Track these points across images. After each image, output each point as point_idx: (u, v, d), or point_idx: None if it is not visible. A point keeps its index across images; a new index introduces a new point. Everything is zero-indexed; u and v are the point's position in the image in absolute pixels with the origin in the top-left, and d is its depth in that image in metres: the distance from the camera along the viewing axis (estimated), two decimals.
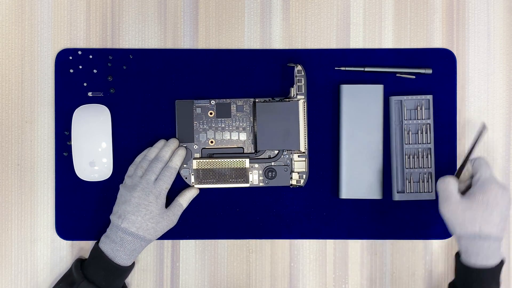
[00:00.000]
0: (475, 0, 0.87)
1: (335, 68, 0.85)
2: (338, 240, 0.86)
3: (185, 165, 0.84)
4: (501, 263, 0.74)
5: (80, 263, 0.81)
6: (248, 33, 0.87)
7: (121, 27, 0.86)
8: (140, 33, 0.86)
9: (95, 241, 0.81)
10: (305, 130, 0.82)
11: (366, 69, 0.84)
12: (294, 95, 0.82)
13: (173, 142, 0.83)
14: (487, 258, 0.73)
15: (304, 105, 0.82)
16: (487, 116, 0.86)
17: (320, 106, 0.86)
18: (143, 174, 0.80)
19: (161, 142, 0.84)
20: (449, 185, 0.76)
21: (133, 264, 0.81)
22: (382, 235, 0.86)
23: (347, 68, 0.84)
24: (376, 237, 0.86)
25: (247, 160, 0.83)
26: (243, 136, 0.84)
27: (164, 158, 0.81)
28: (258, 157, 0.84)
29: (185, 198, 0.83)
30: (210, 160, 0.83)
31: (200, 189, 0.85)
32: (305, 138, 0.82)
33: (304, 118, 0.82)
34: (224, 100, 0.84)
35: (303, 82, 0.82)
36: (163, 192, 0.80)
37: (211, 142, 0.84)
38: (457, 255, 0.77)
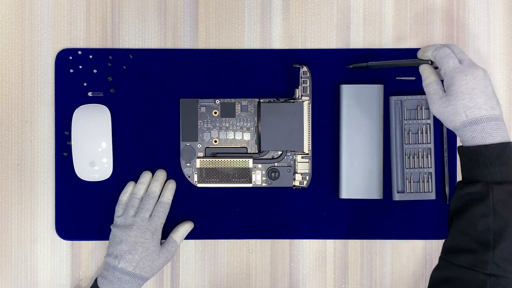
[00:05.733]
0: (475, 0, 0.87)
1: (346, 67, 0.84)
2: (338, 240, 0.86)
3: (188, 164, 0.84)
4: (505, 144, 0.70)
5: None
6: (248, 33, 0.87)
7: (121, 27, 0.86)
8: (140, 33, 0.86)
9: (95, 278, 0.81)
10: (309, 131, 0.82)
11: (370, 63, 0.83)
12: (299, 96, 0.82)
13: (161, 175, 0.84)
14: (483, 139, 0.70)
15: (309, 106, 0.82)
16: None
17: (320, 106, 0.86)
18: (135, 213, 0.81)
19: (146, 176, 0.84)
20: (432, 86, 0.75)
21: None
22: (382, 235, 0.86)
23: (354, 65, 0.84)
24: (376, 237, 0.86)
25: (251, 160, 0.83)
26: (247, 136, 0.84)
27: (155, 194, 0.83)
28: (261, 158, 0.84)
29: (179, 234, 0.83)
30: (214, 160, 0.83)
31: (202, 188, 0.85)
32: (309, 140, 0.82)
33: (309, 120, 0.82)
34: (228, 99, 0.84)
35: (308, 83, 0.82)
36: (158, 228, 0.81)
37: (215, 141, 0.84)
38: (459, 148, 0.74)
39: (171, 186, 0.84)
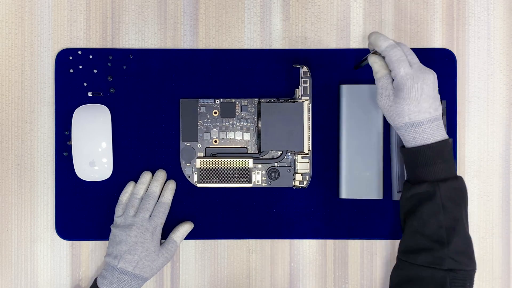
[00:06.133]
0: (475, 0, 0.87)
1: (354, 69, 0.84)
2: (338, 240, 0.86)
3: (188, 164, 0.84)
4: (444, 141, 0.72)
5: None
6: (248, 33, 0.87)
7: (121, 27, 0.86)
8: (140, 33, 0.86)
9: (94, 279, 0.81)
10: (309, 131, 0.82)
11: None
12: (299, 96, 0.82)
13: (161, 175, 0.84)
14: (425, 139, 0.72)
15: (309, 106, 0.82)
16: (487, 116, 0.86)
17: (320, 106, 0.86)
18: (135, 213, 0.81)
19: (146, 177, 0.84)
20: (382, 81, 0.74)
21: None
22: (382, 235, 0.86)
23: (357, 66, 0.83)
24: (376, 237, 0.86)
25: (251, 160, 0.83)
26: (247, 136, 0.84)
27: (155, 194, 0.83)
28: (261, 158, 0.84)
29: (179, 235, 0.83)
30: (214, 160, 0.83)
31: (202, 188, 0.85)
32: (309, 140, 0.82)
33: (309, 120, 0.82)
34: (229, 99, 0.84)
35: (308, 83, 0.82)
36: (158, 228, 0.81)
37: (215, 141, 0.84)
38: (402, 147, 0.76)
39: (171, 186, 0.84)
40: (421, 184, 0.72)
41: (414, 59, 0.73)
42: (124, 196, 0.83)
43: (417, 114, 0.71)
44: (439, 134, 0.72)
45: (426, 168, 0.72)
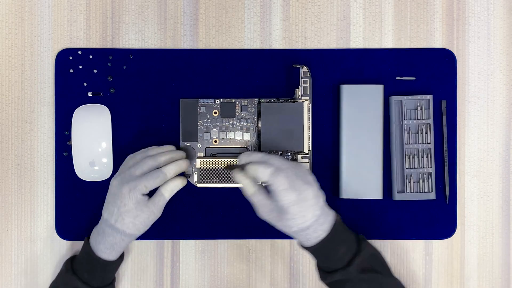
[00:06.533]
0: (475, 0, 0.87)
1: (397, 79, 0.85)
2: None
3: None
4: (335, 225, 0.74)
5: (72, 257, 0.81)
6: (248, 33, 0.87)
7: (121, 27, 0.86)
8: (140, 33, 0.86)
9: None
10: (309, 131, 0.82)
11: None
12: (299, 96, 0.82)
13: (179, 153, 0.80)
14: (318, 236, 0.73)
15: (309, 106, 0.82)
16: (487, 116, 0.86)
17: (320, 106, 0.86)
18: (132, 166, 0.76)
19: (168, 147, 0.81)
20: (256, 198, 0.74)
21: (120, 259, 0.79)
22: (382, 235, 0.86)
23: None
24: (376, 237, 0.86)
25: None
26: (247, 136, 0.84)
27: (159, 159, 0.77)
28: None
29: (168, 188, 0.76)
30: (214, 160, 0.83)
31: (202, 188, 0.85)
32: (309, 139, 0.82)
33: (309, 120, 0.82)
34: (228, 99, 0.84)
35: (308, 84, 0.82)
36: (139, 187, 0.74)
37: (215, 141, 0.84)
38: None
39: (182, 163, 0.78)
40: (335, 273, 0.74)
41: (291, 174, 0.72)
42: (135, 156, 0.78)
43: (304, 223, 0.72)
44: (328, 222, 0.74)
45: (331, 259, 0.75)
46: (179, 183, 0.78)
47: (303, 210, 0.72)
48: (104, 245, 0.76)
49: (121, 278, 0.86)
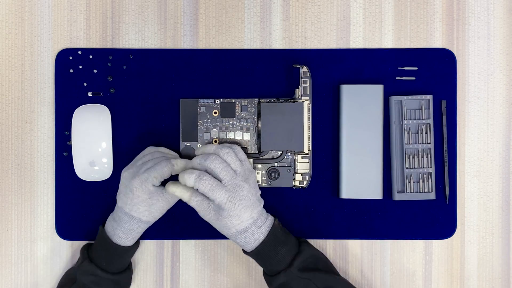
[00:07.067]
0: (475, 0, 0.87)
1: (397, 79, 0.85)
2: (338, 240, 0.86)
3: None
4: (273, 228, 0.76)
5: (88, 246, 0.82)
6: (248, 33, 0.87)
7: (121, 27, 0.86)
8: (140, 33, 0.86)
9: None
10: (309, 131, 0.82)
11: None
12: (299, 96, 0.82)
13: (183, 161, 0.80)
14: (256, 238, 0.76)
15: (309, 106, 0.82)
16: (487, 116, 0.86)
17: (320, 106, 0.86)
18: (141, 159, 0.79)
19: (174, 153, 0.83)
20: (193, 202, 0.76)
21: (136, 245, 0.81)
22: (382, 235, 0.86)
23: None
24: (376, 237, 0.86)
25: (251, 160, 0.83)
26: (247, 136, 0.84)
27: (169, 156, 0.81)
28: (261, 158, 0.84)
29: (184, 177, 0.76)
30: None
31: None
32: (309, 140, 0.82)
33: (309, 120, 0.82)
34: (228, 99, 0.84)
35: (308, 84, 0.82)
36: (150, 179, 0.75)
37: (215, 141, 0.84)
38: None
39: (185, 163, 0.78)
40: (278, 276, 0.76)
41: (225, 174, 0.74)
42: (145, 150, 0.81)
43: (241, 224, 0.75)
44: (266, 225, 0.77)
45: (273, 261, 0.76)
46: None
47: (238, 209, 0.74)
48: (122, 230, 0.78)
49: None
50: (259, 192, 0.79)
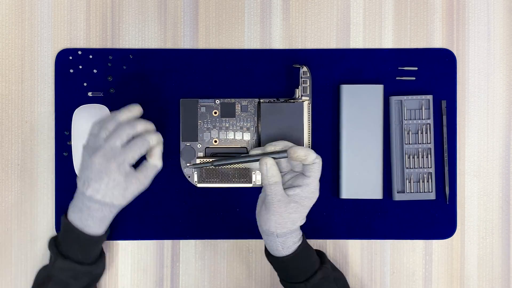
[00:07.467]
0: (475, 0, 0.87)
1: (397, 79, 0.85)
2: (338, 240, 0.86)
3: (188, 164, 0.84)
4: (300, 247, 0.76)
5: (54, 240, 0.78)
6: (248, 33, 0.87)
7: (121, 27, 0.86)
8: (140, 33, 0.86)
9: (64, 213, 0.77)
10: (309, 131, 0.82)
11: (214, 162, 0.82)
12: (299, 96, 0.82)
13: (148, 122, 0.76)
14: (289, 249, 0.75)
15: (309, 106, 0.82)
16: (487, 116, 0.86)
17: (320, 106, 0.86)
18: (107, 137, 0.73)
19: (133, 107, 0.76)
20: (275, 188, 0.74)
21: (108, 230, 0.78)
22: (382, 235, 0.86)
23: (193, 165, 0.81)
24: (376, 237, 0.86)
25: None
26: (247, 136, 0.84)
27: (137, 127, 0.74)
28: None
29: (156, 157, 0.75)
30: (214, 160, 0.83)
31: (202, 188, 0.85)
32: (309, 140, 0.82)
33: (309, 120, 0.82)
34: (228, 99, 0.84)
35: (308, 84, 0.82)
36: (127, 160, 0.72)
37: (215, 141, 0.84)
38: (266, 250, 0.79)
39: (160, 144, 0.76)
40: (315, 276, 0.76)
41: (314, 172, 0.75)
42: (106, 125, 0.74)
43: (293, 225, 0.75)
44: (300, 232, 0.77)
45: (306, 266, 0.77)
46: (161, 146, 0.77)
47: (300, 211, 0.75)
48: (93, 220, 0.73)
49: (121, 278, 0.86)
50: None
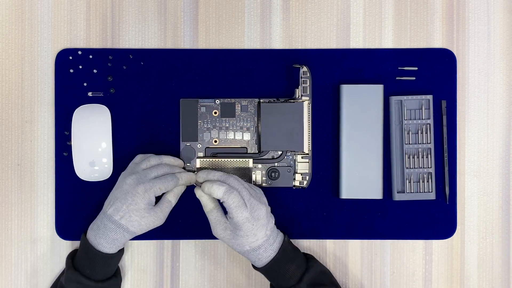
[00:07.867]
0: (475, 0, 0.87)
1: (397, 79, 0.85)
2: (338, 240, 0.86)
3: (188, 164, 0.84)
4: (283, 245, 0.78)
5: (72, 254, 0.81)
6: (248, 33, 0.87)
7: (121, 27, 0.86)
8: (140, 33, 0.86)
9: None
10: (309, 131, 0.82)
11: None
12: (299, 96, 0.82)
13: (192, 174, 0.81)
14: (268, 256, 0.77)
15: (309, 106, 0.82)
16: (487, 116, 0.86)
17: (320, 106, 0.86)
18: (146, 168, 0.79)
19: (180, 161, 0.83)
20: (212, 215, 0.78)
21: (121, 252, 0.79)
22: (382, 235, 0.86)
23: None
24: (376, 237, 0.86)
25: (251, 160, 0.83)
26: (247, 136, 0.84)
27: (175, 169, 0.80)
28: (261, 158, 0.84)
29: (173, 194, 0.79)
30: (214, 160, 0.83)
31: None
32: (309, 140, 0.82)
33: (309, 120, 0.82)
34: (228, 99, 0.84)
35: (308, 84, 0.82)
36: (154, 189, 0.76)
37: (215, 141, 0.84)
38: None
39: (183, 186, 0.81)
40: None
41: (246, 194, 0.76)
42: (150, 159, 0.81)
43: (255, 241, 0.76)
44: (277, 242, 0.78)
45: (283, 277, 0.78)
46: (182, 188, 0.81)
47: (255, 229, 0.76)
48: (106, 239, 0.76)
49: (121, 278, 0.86)
50: (269, 208, 0.79)
